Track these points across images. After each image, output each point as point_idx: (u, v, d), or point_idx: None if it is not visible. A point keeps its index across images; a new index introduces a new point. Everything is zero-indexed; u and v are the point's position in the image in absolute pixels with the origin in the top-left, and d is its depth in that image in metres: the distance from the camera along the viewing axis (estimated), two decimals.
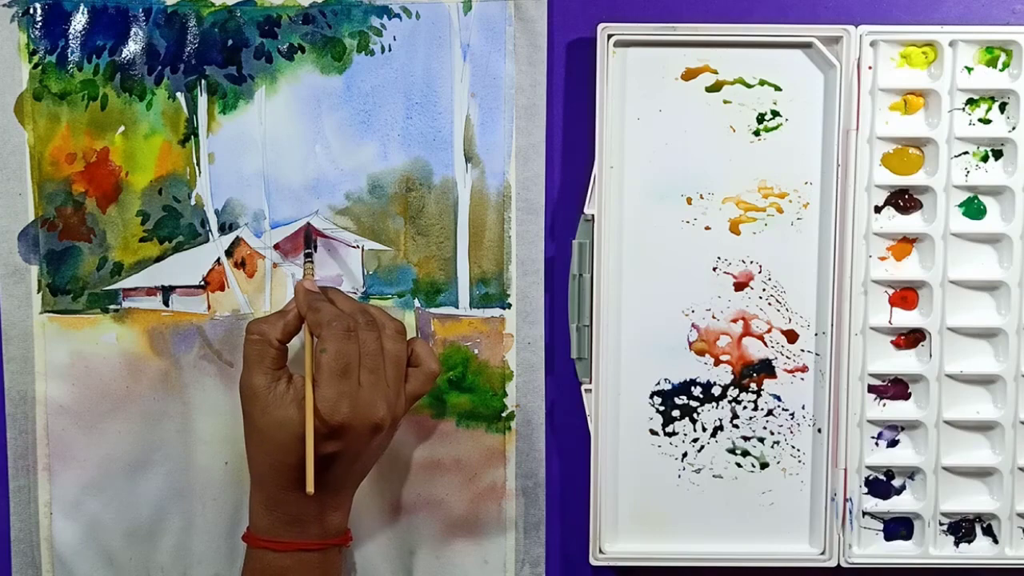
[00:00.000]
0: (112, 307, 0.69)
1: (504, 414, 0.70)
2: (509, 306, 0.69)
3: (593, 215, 0.67)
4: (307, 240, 0.69)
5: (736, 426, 0.70)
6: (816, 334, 0.69)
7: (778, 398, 0.70)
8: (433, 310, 0.70)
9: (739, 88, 0.68)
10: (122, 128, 0.68)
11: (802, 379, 0.70)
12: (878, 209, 0.69)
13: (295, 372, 0.62)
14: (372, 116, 0.69)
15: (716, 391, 0.70)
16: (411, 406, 0.63)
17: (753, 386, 0.70)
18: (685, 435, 0.70)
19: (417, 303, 0.69)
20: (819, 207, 0.69)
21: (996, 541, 0.70)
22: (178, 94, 0.68)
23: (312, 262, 0.67)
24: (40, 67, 0.68)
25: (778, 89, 0.68)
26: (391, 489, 0.70)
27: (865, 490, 0.70)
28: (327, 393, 0.58)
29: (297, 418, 0.59)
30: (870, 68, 0.67)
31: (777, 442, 0.70)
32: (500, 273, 0.69)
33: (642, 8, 0.68)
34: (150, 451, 0.70)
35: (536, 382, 0.70)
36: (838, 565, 0.69)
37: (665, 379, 0.70)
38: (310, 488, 0.57)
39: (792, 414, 0.70)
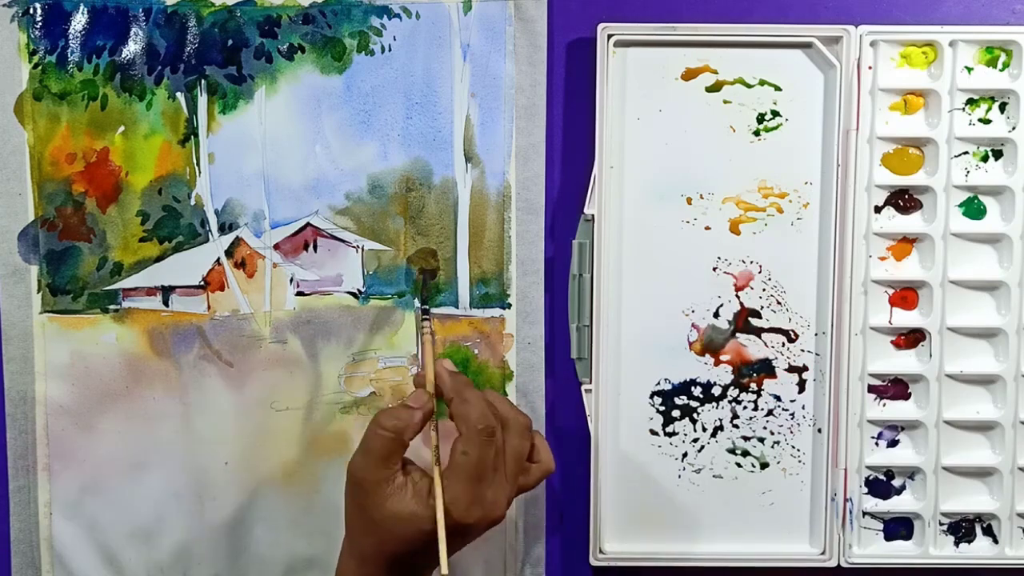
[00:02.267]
0: (112, 307, 0.69)
1: None
2: (509, 306, 0.69)
3: (593, 215, 0.67)
4: (422, 292, 0.66)
5: (736, 426, 0.70)
6: (816, 334, 0.69)
7: (778, 398, 0.70)
8: (433, 310, 0.69)
9: (739, 88, 0.68)
10: (122, 128, 0.68)
11: (802, 379, 0.70)
12: (878, 209, 0.69)
13: (408, 460, 0.60)
14: (372, 116, 0.69)
15: (716, 391, 0.70)
16: (518, 495, 0.62)
17: (753, 386, 0.70)
18: (685, 435, 0.70)
19: (417, 303, 0.69)
20: (819, 207, 0.69)
21: (996, 541, 0.70)
22: (178, 94, 0.68)
23: (430, 317, 0.65)
24: (40, 67, 0.68)
25: (778, 89, 0.68)
26: None
27: (865, 490, 0.70)
28: (460, 495, 0.57)
29: (421, 514, 0.57)
30: (870, 68, 0.67)
31: (777, 442, 0.70)
32: (500, 273, 0.69)
33: (642, 8, 0.68)
34: (150, 451, 0.70)
35: (536, 382, 0.70)
36: (838, 565, 0.69)
37: (665, 379, 0.70)
38: (445, 571, 0.56)
39: (792, 414, 0.70)
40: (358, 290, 0.69)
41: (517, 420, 0.61)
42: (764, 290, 0.69)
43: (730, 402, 0.70)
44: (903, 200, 0.69)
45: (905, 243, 0.69)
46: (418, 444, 0.61)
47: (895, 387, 0.70)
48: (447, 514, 0.57)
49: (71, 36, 0.68)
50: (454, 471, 0.58)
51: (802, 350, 0.69)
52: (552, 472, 0.63)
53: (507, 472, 0.59)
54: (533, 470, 0.62)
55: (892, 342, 0.69)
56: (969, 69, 0.68)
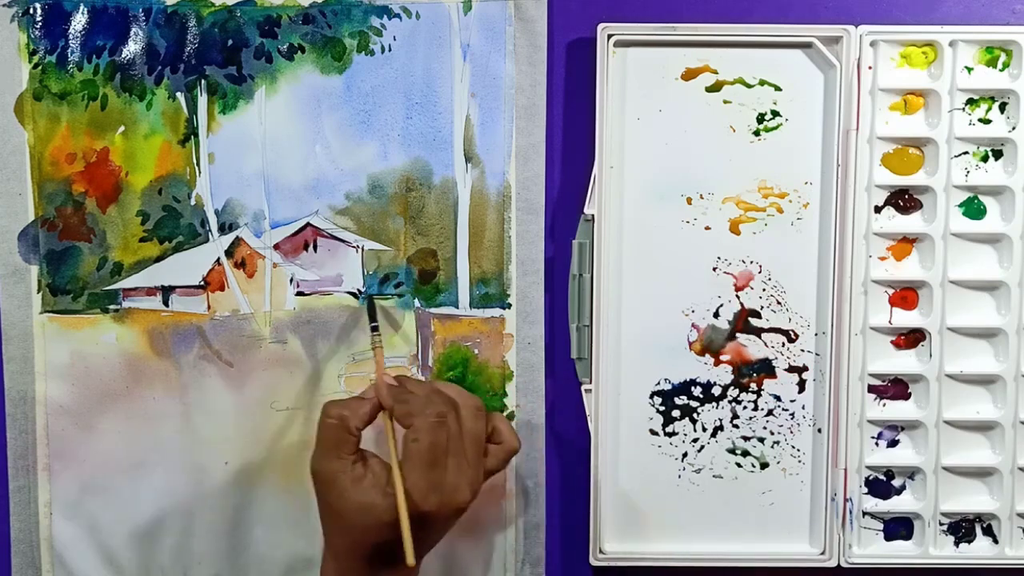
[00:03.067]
0: (112, 307, 0.69)
1: (504, 414, 0.70)
2: (509, 306, 0.69)
3: (593, 215, 0.67)
4: (371, 311, 0.68)
5: (736, 426, 0.70)
6: (816, 334, 0.69)
7: (778, 398, 0.70)
8: (433, 310, 0.70)
9: (739, 88, 0.68)
10: (122, 128, 0.68)
11: (802, 379, 0.70)
12: (878, 209, 0.69)
13: (368, 452, 0.61)
14: (372, 116, 0.69)
15: (716, 391, 0.70)
16: (487, 479, 0.62)
17: (753, 386, 0.70)
18: (685, 435, 0.70)
19: (417, 303, 0.69)
20: (819, 207, 0.69)
21: (996, 541, 0.70)
22: (178, 94, 0.68)
23: (379, 334, 0.66)
24: (40, 67, 0.68)
25: (778, 89, 0.68)
26: None
27: (865, 490, 0.70)
28: (418, 483, 0.58)
29: (380, 504, 0.58)
30: (870, 68, 0.67)
31: (777, 442, 0.70)
32: (500, 273, 0.69)
33: (642, 8, 0.68)
34: (150, 451, 0.70)
35: (536, 382, 0.70)
36: (838, 565, 0.69)
37: (665, 379, 0.70)
38: (411, 561, 0.57)
39: (792, 414, 0.70)
40: (358, 290, 0.69)
41: (468, 403, 0.61)
42: (764, 290, 0.69)
43: (730, 402, 0.70)
44: (903, 200, 0.69)
45: (905, 243, 0.69)
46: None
47: (895, 387, 0.70)
48: (406, 501, 0.57)
49: (71, 36, 0.68)
50: (408, 460, 0.58)
51: (802, 350, 0.69)
52: (517, 451, 0.63)
53: (467, 456, 0.60)
54: (496, 451, 0.62)
55: (892, 342, 0.69)
56: (969, 69, 0.68)
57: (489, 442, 0.62)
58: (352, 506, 0.58)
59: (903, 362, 0.69)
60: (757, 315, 0.69)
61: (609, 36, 0.66)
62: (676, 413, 0.70)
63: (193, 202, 0.69)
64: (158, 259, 0.69)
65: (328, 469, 0.59)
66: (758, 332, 0.69)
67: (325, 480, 0.60)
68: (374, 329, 0.67)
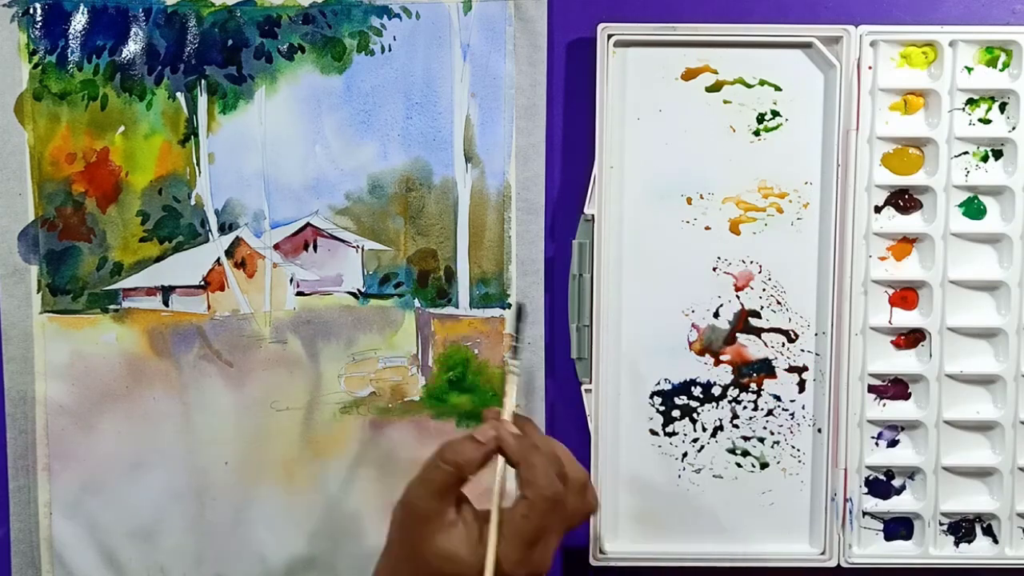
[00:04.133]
0: (112, 307, 0.69)
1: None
2: (509, 306, 0.69)
3: (593, 215, 0.67)
4: (517, 329, 0.63)
5: (736, 426, 0.70)
6: (816, 334, 0.69)
7: (778, 398, 0.70)
8: (433, 310, 0.70)
9: (739, 88, 0.68)
10: (122, 128, 0.68)
11: (802, 379, 0.70)
12: (878, 209, 0.69)
13: (464, 496, 0.57)
14: (372, 116, 0.69)
15: (716, 391, 0.70)
16: None
17: (753, 386, 0.70)
18: (685, 435, 0.70)
19: (417, 303, 0.69)
20: (819, 207, 0.69)
21: (996, 541, 0.70)
22: (178, 94, 0.68)
23: (519, 359, 0.61)
24: (40, 67, 0.68)
25: (778, 89, 0.68)
26: (391, 489, 0.70)
27: (865, 490, 0.70)
28: (511, 554, 0.55)
29: (466, 559, 0.55)
30: (870, 68, 0.67)
31: (777, 442, 0.70)
32: (500, 273, 0.69)
33: (642, 8, 0.68)
34: (150, 451, 0.70)
35: (536, 382, 0.70)
36: (838, 565, 0.69)
37: (665, 379, 0.70)
38: None
39: (792, 414, 0.70)
40: (358, 290, 0.69)
41: (577, 479, 0.58)
42: (764, 290, 0.69)
43: (730, 402, 0.70)
44: (903, 200, 0.69)
45: (905, 243, 0.69)
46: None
47: (895, 387, 0.70)
48: (495, 565, 0.55)
49: (71, 36, 0.68)
50: (511, 529, 0.56)
51: (802, 350, 0.69)
52: (594, 513, 0.61)
53: (559, 532, 0.57)
54: (580, 516, 0.60)
55: (892, 342, 0.69)
56: (969, 69, 0.68)
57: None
58: (436, 551, 0.55)
59: (903, 362, 0.69)
60: (757, 315, 0.69)
61: (609, 36, 0.66)
62: (676, 413, 0.70)
63: (193, 202, 0.69)
64: (158, 259, 0.69)
65: (426, 509, 0.56)
66: (758, 332, 0.69)
67: (416, 517, 0.56)
68: (514, 349, 0.62)
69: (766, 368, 0.69)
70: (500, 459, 0.57)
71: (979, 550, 0.70)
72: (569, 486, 0.57)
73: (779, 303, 0.69)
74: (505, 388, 0.59)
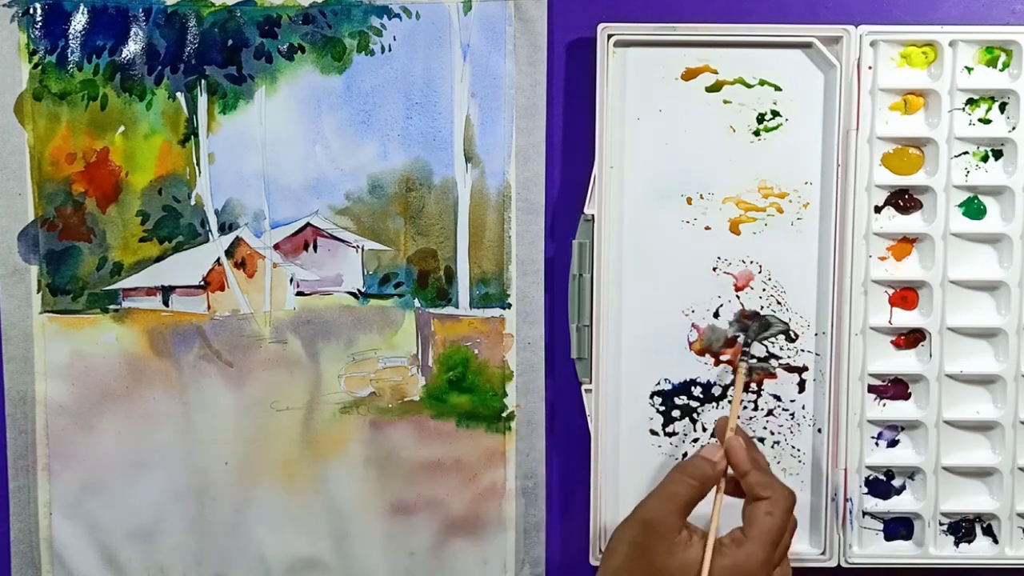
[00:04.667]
0: (112, 307, 0.69)
1: (504, 414, 0.70)
2: (509, 306, 0.69)
3: (593, 215, 0.67)
4: (762, 329, 0.66)
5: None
6: (816, 334, 0.69)
7: (778, 398, 0.70)
8: (433, 310, 0.70)
9: (739, 88, 0.68)
10: (122, 128, 0.69)
11: (802, 379, 0.70)
12: (878, 209, 0.69)
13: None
14: (372, 116, 0.69)
15: (716, 391, 0.70)
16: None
17: (753, 386, 0.70)
18: (685, 435, 0.70)
19: (417, 303, 0.69)
20: (819, 207, 0.69)
21: (996, 541, 0.70)
22: (178, 94, 0.68)
23: (748, 362, 0.65)
24: (40, 67, 0.68)
25: (778, 89, 0.68)
26: (391, 489, 0.70)
27: (865, 490, 0.70)
28: (757, 553, 0.58)
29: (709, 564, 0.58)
30: (870, 68, 0.67)
31: (777, 442, 0.70)
32: (500, 273, 0.69)
33: (642, 8, 0.68)
34: (150, 451, 0.70)
35: (536, 382, 0.70)
36: (838, 565, 0.69)
37: (665, 379, 0.70)
38: None
39: (792, 414, 0.70)
40: (358, 290, 0.69)
41: (786, 499, 0.60)
42: (764, 290, 0.69)
43: (730, 402, 0.70)
44: (903, 200, 0.69)
45: (905, 243, 0.69)
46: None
47: (895, 387, 0.70)
48: (737, 566, 0.57)
49: (71, 36, 0.68)
50: (755, 528, 0.58)
51: (802, 350, 0.69)
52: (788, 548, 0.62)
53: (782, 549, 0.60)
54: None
55: (892, 342, 0.69)
56: (969, 69, 0.68)
57: None
58: (677, 565, 0.58)
59: (903, 362, 0.69)
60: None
61: (609, 36, 0.66)
62: (676, 413, 0.70)
63: (193, 202, 0.69)
64: (158, 259, 0.69)
65: (668, 525, 0.59)
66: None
67: (661, 534, 0.58)
68: (745, 352, 0.65)
69: (766, 368, 0.69)
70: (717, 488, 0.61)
71: (979, 550, 0.70)
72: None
73: (779, 303, 0.69)
74: (733, 400, 0.63)
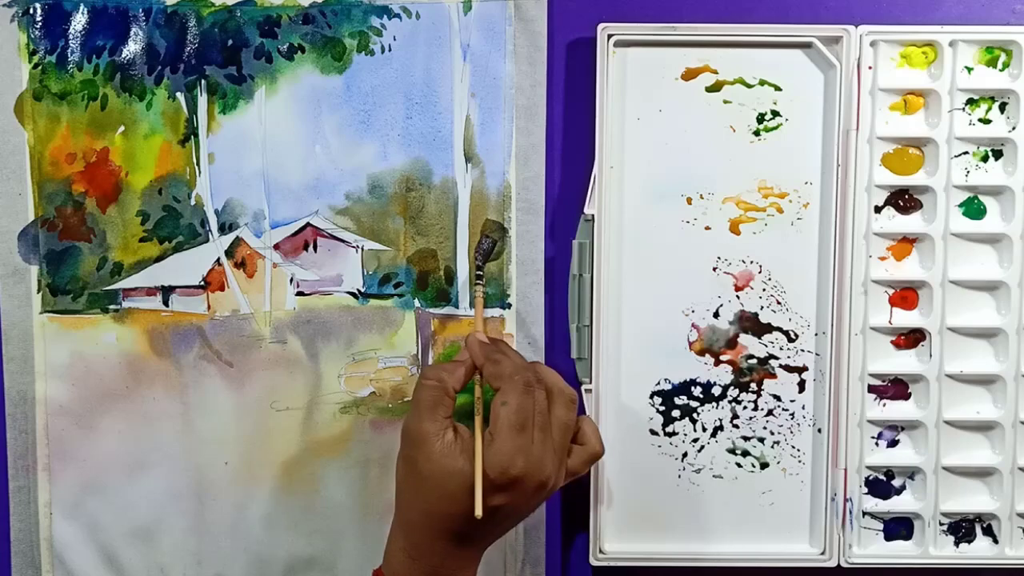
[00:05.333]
0: (112, 307, 0.69)
1: None
2: (509, 306, 0.69)
3: (593, 215, 0.67)
4: (486, 254, 0.67)
5: (736, 426, 0.70)
6: (816, 334, 0.69)
7: (778, 398, 0.70)
8: (433, 310, 0.70)
9: (739, 88, 0.68)
10: (122, 128, 0.68)
11: (802, 379, 0.70)
12: (878, 209, 0.69)
13: (458, 423, 0.60)
14: (372, 116, 0.69)
15: (716, 391, 0.70)
16: (568, 481, 0.62)
17: (753, 386, 0.70)
18: (685, 435, 0.70)
19: (417, 303, 0.69)
20: (819, 207, 0.69)
21: (996, 541, 0.70)
22: (178, 94, 0.68)
23: (483, 282, 0.67)
24: (40, 67, 0.68)
25: (778, 89, 0.68)
26: (391, 489, 0.70)
27: (865, 490, 0.70)
28: (504, 447, 0.57)
29: (468, 470, 0.57)
30: (870, 68, 0.67)
31: (777, 442, 0.70)
32: (500, 273, 0.69)
33: (642, 8, 0.68)
34: (150, 451, 0.70)
35: None
36: (838, 565, 0.69)
37: (665, 379, 0.70)
38: (478, 512, 0.56)
39: (792, 414, 0.70)
40: (358, 290, 0.69)
41: (562, 391, 0.61)
42: (764, 290, 0.69)
43: (730, 402, 0.70)
44: (903, 200, 0.69)
45: (905, 243, 0.69)
46: None
47: (895, 387, 0.70)
48: (491, 467, 0.57)
49: (71, 36, 0.68)
50: (496, 423, 0.58)
51: (802, 350, 0.69)
52: (600, 456, 0.63)
53: (553, 441, 0.59)
54: (579, 451, 0.62)
55: (892, 342, 0.69)
56: (969, 69, 0.68)
57: (573, 443, 0.62)
58: (438, 470, 0.58)
59: (903, 362, 0.69)
60: (757, 316, 0.69)
61: (609, 36, 0.66)
62: (676, 413, 0.70)
63: (193, 202, 0.69)
64: (158, 259, 0.69)
65: (422, 431, 0.58)
66: (758, 332, 0.69)
67: (416, 442, 0.59)
68: (479, 278, 0.66)
69: (766, 368, 0.69)
70: (477, 376, 0.62)
71: (979, 550, 0.70)
72: (554, 394, 0.60)
73: (779, 303, 0.69)
74: (476, 311, 0.66)
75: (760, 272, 0.69)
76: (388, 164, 0.69)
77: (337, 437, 0.70)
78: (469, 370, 0.62)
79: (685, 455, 0.70)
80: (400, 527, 0.60)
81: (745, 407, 0.70)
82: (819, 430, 0.70)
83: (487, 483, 0.57)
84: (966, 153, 0.68)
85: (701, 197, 0.69)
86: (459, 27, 0.68)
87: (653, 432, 0.70)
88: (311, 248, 0.69)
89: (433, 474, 0.58)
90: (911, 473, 0.70)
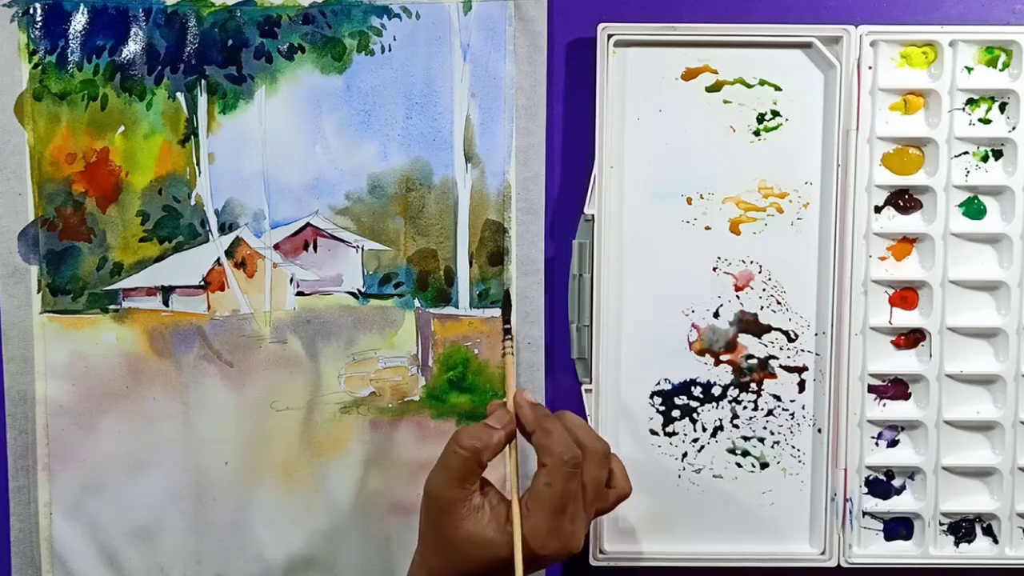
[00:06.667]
0: (112, 307, 0.69)
1: None
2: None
3: (593, 215, 0.67)
4: (505, 310, 0.67)
5: (736, 426, 0.70)
6: (816, 334, 0.69)
7: (778, 398, 0.70)
8: (433, 310, 0.70)
9: (739, 88, 0.68)
10: (122, 128, 0.69)
11: (802, 379, 0.70)
12: (878, 209, 0.69)
13: (487, 481, 0.59)
14: (372, 116, 0.69)
15: (716, 391, 0.70)
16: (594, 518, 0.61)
17: (753, 386, 0.70)
18: (685, 435, 0.70)
19: (417, 303, 0.69)
20: (819, 207, 0.69)
21: (996, 541, 0.70)
22: (178, 94, 0.68)
23: (512, 338, 0.63)
24: (40, 67, 0.68)
25: (778, 89, 0.68)
26: (391, 489, 0.70)
27: (865, 490, 0.70)
28: (540, 526, 0.56)
29: (496, 540, 0.56)
30: (870, 68, 0.67)
31: (777, 442, 0.70)
32: (500, 273, 0.69)
33: (642, 8, 0.68)
34: (150, 451, 0.70)
35: (536, 382, 0.70)
36: (838, 565, 0.69)
37: (665, 379, 0.70)
38: None
39: (792, 414, 0.70)
40: (358, 290, 0.69)
41: (596, 449, 0.59)
42: (764, 290, 0.69)
43: (730, 402, 0.70)
44: (903, 200, 0.69)
45: (905, 243, 0.69)
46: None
47: (895, 387, 0.70)
48: (524, 544, 0.56)
49: (71, 36, 0.68)
50: (536, 501, 0.57)
51: (802, 350, 0.69)
52: (628, 496, 0.61)
53: (585, 501, 0.58)
54: (610, 495, 0.60)
55: (892, 342, 0.69)
56: (969, 69, 0.68)
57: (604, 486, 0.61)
58: (465, 536, 0.57)
59: (903, 362, 0.69)
60: (757, 317, 0.69)
61: (609, 36, 0.66)
62: (676, 413, 0.70)
63: (193, 202, 0.69)
64: (158, 259, 0.69)
65: (448, 497, 0.57)
66: (758, 332, 0.69)
67: (442, 507, 0.57)
68: (507, 332, 0.64)
69: (766, 368, 0.69)
70: (512, 443, 0.59)
71: (979, 550, 0.70)
72: (587, 453, 0.58)
73: (779, 303, 0.69)
74: (507, 371, 0.62)
75: (760, 272, 0.69)
76: (388, 164, 0.69)
77: (337, 437, 0.70)
78: (507, 438, 0.59)
79: (685, 455, 0.70)
80: (423, 569, 0.59)
81: (745, 407, 0.70)
82: (819, 430, 0.70)
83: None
84: (966, 153, 0.68)
85: (701, 197, 0.69)
86: (459, 27, 0.68)
87: (653, 432, 0.70)
88: (311, 248, 0.69)
89: (460, 540, 0.57)
90: (911, 473, 0.70)
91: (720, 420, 0.70)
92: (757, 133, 0.68)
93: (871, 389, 0.69)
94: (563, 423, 0.59)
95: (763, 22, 0.68)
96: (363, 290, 0.69)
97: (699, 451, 0.70)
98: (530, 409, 0.60)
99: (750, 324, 0.69)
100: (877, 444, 0.70)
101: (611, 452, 0.60)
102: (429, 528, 0.58)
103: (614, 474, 0.61)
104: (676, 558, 0.70)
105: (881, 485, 0.70)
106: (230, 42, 0.68)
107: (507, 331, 0.63)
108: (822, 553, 0.69)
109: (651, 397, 0.70)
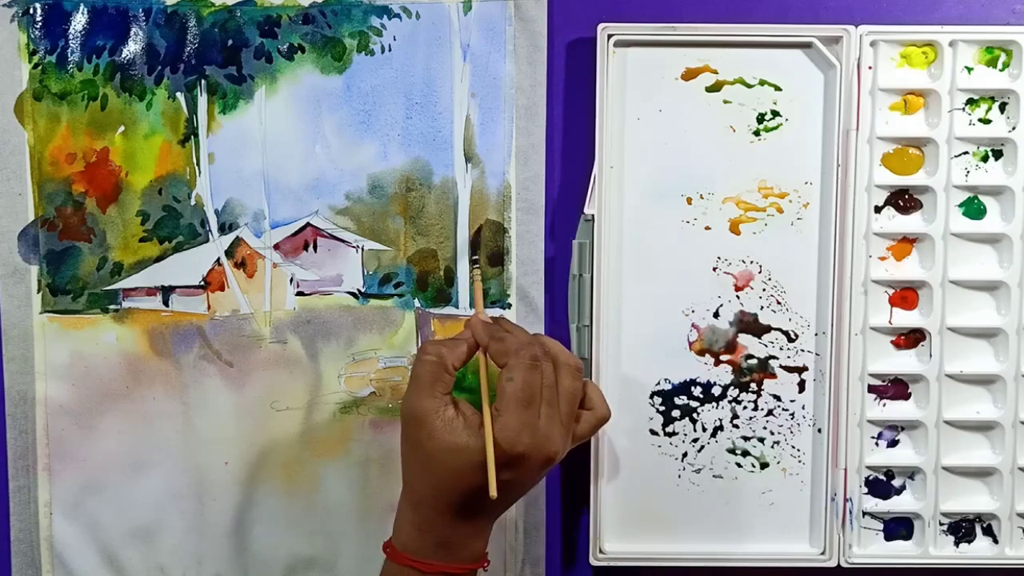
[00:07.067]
0: (112, 307, 0.69)
1: None
2: (509, 306, 0.69)
3: (593, 215, 0.67)
4: (473, 246, 0.69)
5: (736, 426, 0.70)
6: (816, 334, 0.69)
7: (778, 398, 0.70)
8: (433, 310, 0.70)
9: (739, 88, 0.68)
10: (122, 128, 0.69)
11: (802, 379, 0.70)
12: (878, 209, 0.69)
13: (458, 399, 0.60)
14: (372, 116, 0.69)
15: (716, 391, 0.70)
16: (575, 445, 0.62)
17: (753, 386, 0.70)
18: (685, 435, 0.70)
19: (417, 303, 0.69)
20: (819, 207, 0.69)
21: (996, 541, 0.70)
22: (178, 94, 0.68)
23: (479, 267, 0.68)
24: (40, 67, 0.68)
25: (778, 89, 0.68)
26: (391, 489, 0.70)
27: (865, 490, 0.70)
28: (511, 423, 0.57)
29: (472, 445, 0.57)
30: (870, 68, 0.67)
31: (777, 442, 0.70)
32: (500, 273, 0.69)
33: (642, 8, 0.68)
34: (150, 451, 0.70)
35: None
36: (838, 565, 0.69)
37: (665, 379, 0.70)
38: (493, 493, 0.56)
39: (792, 414, 0.70)
40: (358, 290, 0.69)
41: (568, 362, 0.60)
42: (764, 290, 0.69)
43: (730, 402, 0.70)
44: (903, 200, 0.69)
45: (905, 243, 0.69)
46: None
47: (895, 387, 0.70)
48: (497, 444, 0.57)
49: (71, 36, 0.68)
50: (502, 399, 0.58)
51: (802, 350, 0.69)
52: (607, 419, 0.62)
53: (560, 413, 0.59)
54: (587, 416, 0.61)
55: (892, 342, 0.69)
56: (969, 69, 0.68)
57: (580, 408, 0.61)
58: (442, 446, 0.57)
59: (903, 362, 0.69)
60: (757, 317, 0.69)
61: (609, 36, 0.66)
62: (676, 413, 0.70)
63: (193, 202, 0.69)
64: (158, 259, 0.69)
65: (421, 408, 0.58)
66: (758, 332, 0.69)
67: (417, 420, 0.58)
68: (475, 262, 0.67)
69: (766, 368, 0.69)
70: (481, 357, 0.61)
71: (979, 550, 0.70)
72: (560, 364, 0.59)
73: (779, 303, 0.69)
74: (475, 294, 0.66)
75: (760, 272, 0.69)
76: (388, 164, 0.69)
77: (337, 437, 0.70)
78: (471, 348, 0.61)
79: (685, 455, 0.70)
80: (408, 502, 0.60)
81: (745, 407, 0.70)
82: (819, 430, 0.70)
83: (494, 459, 0.57)
84: (966, 153, 0.68)
85: (701, 197, 0.69)
86: (459, 27, 0.68)
87: (653, 432, 0.70)
88: (311, 248, 0.69)
89: (437, 451, 0.57)
90: (911, 473, 0.70)
91: (720, 420, 0.70)
92: (757, 133, 0.68)
93: (871, 389, 0.69)
94: (528, 334, 0.61)
95: (763, 22, 0.68)
96: (363, 290, 0.69)
97: (699, 451, 0.70)
98: (481, 326, 0.61)
99: (750, 324, 0.69)
100: (877, 444, 0.70)
101: (588, 379, 0.63)
102: (408, 449, 0.59)
103: (590, 397, 0.62)
104: (676, 558, 0.70)
105: (881, 485, 0.70)
106: (230, 42, 0.68)
107: (475, 262, 0.68)
108: (822, 553, 0.69)
109: (651, 397, 0.70)
